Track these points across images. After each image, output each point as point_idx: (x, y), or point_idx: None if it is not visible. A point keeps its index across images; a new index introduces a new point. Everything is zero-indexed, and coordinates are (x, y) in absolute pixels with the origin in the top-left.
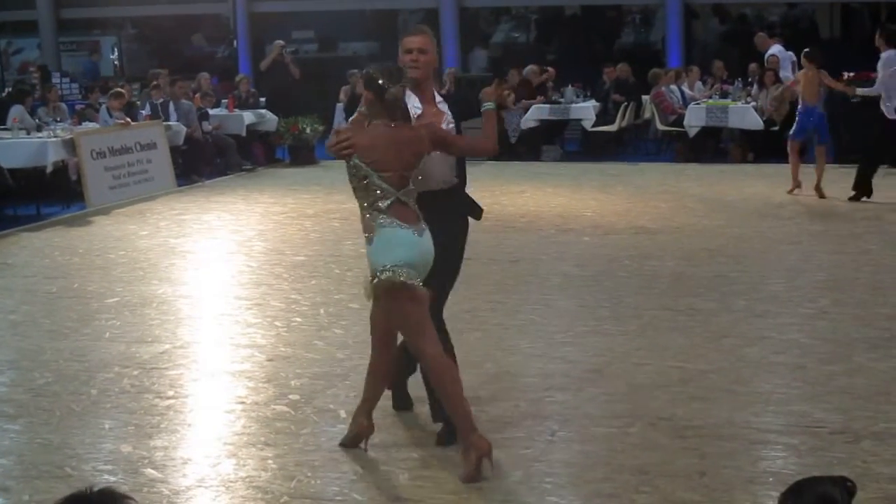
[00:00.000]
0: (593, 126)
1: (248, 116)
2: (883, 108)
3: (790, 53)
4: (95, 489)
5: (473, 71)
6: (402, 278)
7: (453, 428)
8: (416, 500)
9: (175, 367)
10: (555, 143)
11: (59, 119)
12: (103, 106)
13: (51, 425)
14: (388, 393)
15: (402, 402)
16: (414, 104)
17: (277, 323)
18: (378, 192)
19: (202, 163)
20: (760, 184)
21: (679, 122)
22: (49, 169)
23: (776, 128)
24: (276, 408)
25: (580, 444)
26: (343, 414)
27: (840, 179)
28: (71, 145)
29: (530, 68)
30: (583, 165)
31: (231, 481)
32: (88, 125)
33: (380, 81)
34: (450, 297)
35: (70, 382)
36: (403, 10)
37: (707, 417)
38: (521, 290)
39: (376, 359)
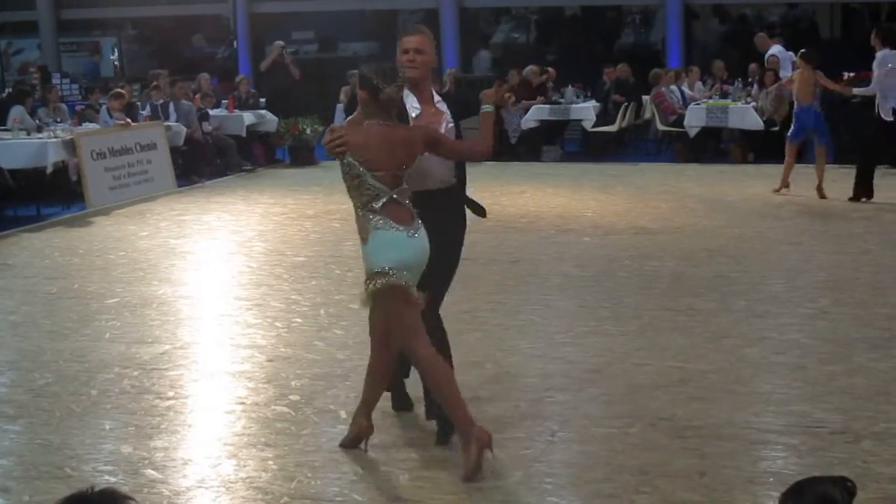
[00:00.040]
0: (593, 126)
1: (248, 117)
2: (879, 109)
3: (790, 54)
4: (96, 489)
5: (478, 72)
6: (394, 281)
7: (447, 423)
8: (416, 500)
9: (175, 367)
10: (555, 143)
11: (59, 120)
12: (103, 107)
13: (51, 426)
14: (387, 394)
15: (402, 403)
16: (412, 104)
17: (278, 324)
18: (371, 191)
19: (202, 163)
20: (761, 184)
21: (679, 122)
22: (49, 169)
23: (776, 128)
24: (277, 408)
25: (580, 445)
26: (343, 414)
27: (840, 179)
28: (71, 146)
29: (530, 69)
30: (583, 166)
31: (231, 482)
32: (88, 126)
33: (374, 81)
34: (450, 298)
35: (70, 383)
36: (403, 11)
37: (707, 418)
38: (522, 290)
39: (375, 359)
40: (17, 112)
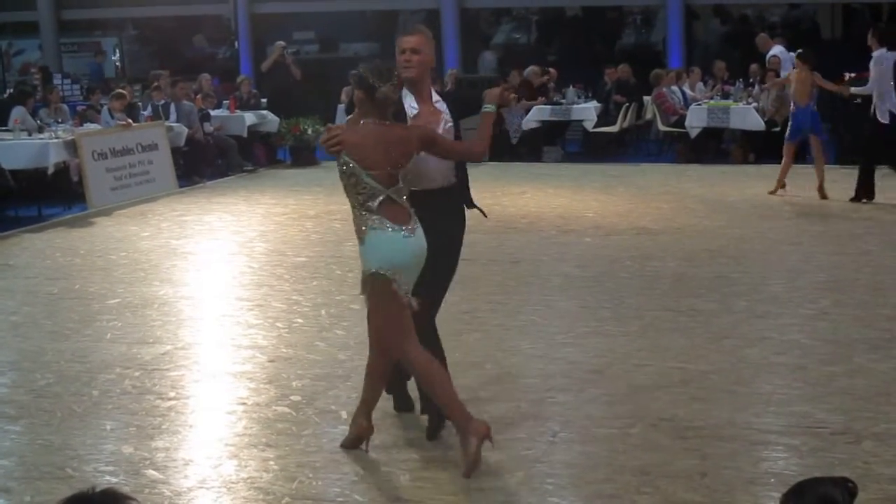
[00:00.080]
0: (594, 127)
1: (250, 117)
2: (876, 111)
3: (791, 54)
4: (97, 490)
5: (482, 73)
6: (387, 282)
7: (439, 419)
8: (416, 501)
9: (176, 368)
10: (556, 143)
11: (60, 120)
12: (105, 107)
13: (52, 426)
14: (389, 395)
15: (403, 404)
16: (411, 104)
17: (279, 324)
18: (367, 189)
19: (203, 164)
20: (761, 185)
21: (680, 122)
22: (50, 170)
23: (777, 129)
24: (278, 409)
25: (581, 445)
26: (344, 415)
27: (841, 180)
28: (72, 146)
29: (531, 69)
30: (584, 166)
31: (232, 482)
32: (90, 126)
33: (370, 81)
34: (450, 298)
35: (71, 383)
36: (404, 11)
37: (708, 418)
38: (522, 290)
39: (374, 360)
40: (18, 113)
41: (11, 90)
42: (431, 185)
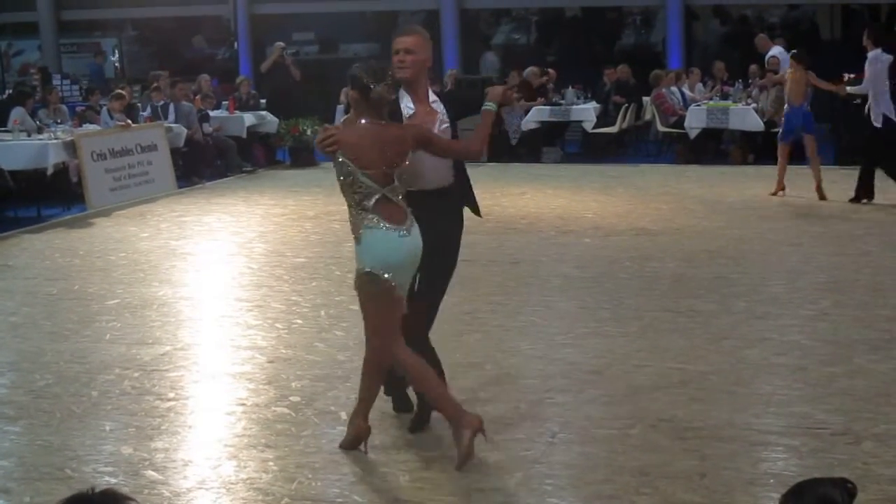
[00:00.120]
0: (594, 128)
1: (249, 118)
2: (870, 113)
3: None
4: (97, 490)
5: (485, 74)
6: (379, 281)
7: (424, 413)
8: (416, 501)
9: (176, 368)
10: (555, 144)
11: (59, 121)
12: (104, 108)
13: (51, 427)
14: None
15: (402, 405)
16: (407, 104)
17: (278, 325)
18: (363, 189)
19: (203, 164)
20: (761, 185)
21: (680, 123)
22: (50, 171)
23: (777, 129)
24: (277, 410)
25: (581, 446)
26: (344, 416)
27: (840, 180)
28: (72, 147)
29: (531, 70)
30: (583, 167)
31: (232, 483)
32: (89, 127)
33: (364, 80)
34: (450, 299)
35: (71, 384)
36: (404, 12)
37: (707, 419)
38: (522, 291)
39: (369, 358)
40: (17, 113)
41: (11, 91)
42: (428, 186)
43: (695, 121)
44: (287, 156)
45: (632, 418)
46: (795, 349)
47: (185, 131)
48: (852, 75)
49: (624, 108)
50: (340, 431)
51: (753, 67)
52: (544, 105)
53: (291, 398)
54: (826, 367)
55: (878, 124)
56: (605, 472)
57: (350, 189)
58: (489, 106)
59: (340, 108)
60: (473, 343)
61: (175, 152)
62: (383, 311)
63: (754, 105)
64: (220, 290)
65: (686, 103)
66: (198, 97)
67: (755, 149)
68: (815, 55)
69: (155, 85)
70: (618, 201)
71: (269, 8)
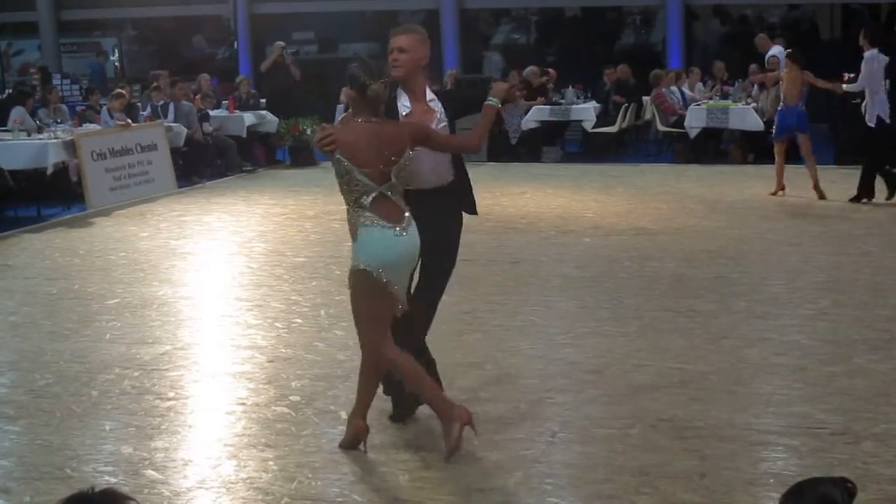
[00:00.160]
0: (594, 127)
1: (249, 118)
2: (866, 113)
3: None
4: (96, 490)
5: (488, 74)
6: (373, 279)
7: (407, 403)
8: (415, 501)
9: (176, 368)
10: (555, 144)
11: (59, 120)
12: (104, 107)
13: (51, 427)
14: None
15: (399, 414)
16: (404, 103)
17: (278, 324)
18: (360, 187)
19: (202, 164)
20: (761, 185)
21: (680, 123)
22: (50, 170)
23: None
24: (277, 409)
25: (580, 446)
26: (343, 415)
27: (840, 180)
28: (71, 147)
29: (531, 70)
30: (583, 167)
31: (232, 482)
32: (89, 126)
33: (361, 79)
34: (450, 299)
35: (70, 384)
36: (404, 12)
37: (707, 419)
38: (522, 291)
39: (366, 358)
40: (17, 113)
41: (11, 90)
42: (427, 185)
43: (695, 120)
44: (287, 155)
45: (632, 418)
46: (795, 349)
47: (185, 131)
48: (852, 75)
49: (624, 107)
50: (340, 431)
51: (753, 67)
52: (544, 105)
53: (291, 397)
54: (826, 367)
55: (871, 124)
56: (605, 471)
57: (348, 187)
58: (492, 101)
59: (340, 107)
60: (473, 343)
61: (175, 152)
62: (375, 310)
63: (754, 105)
64: (220, 289)
65: (686, 103)
66: (198, 97)
67: (755, 148)
68: (815, 55)
69: (155, 84)
70: (618, 201)
71: (268, 7)
